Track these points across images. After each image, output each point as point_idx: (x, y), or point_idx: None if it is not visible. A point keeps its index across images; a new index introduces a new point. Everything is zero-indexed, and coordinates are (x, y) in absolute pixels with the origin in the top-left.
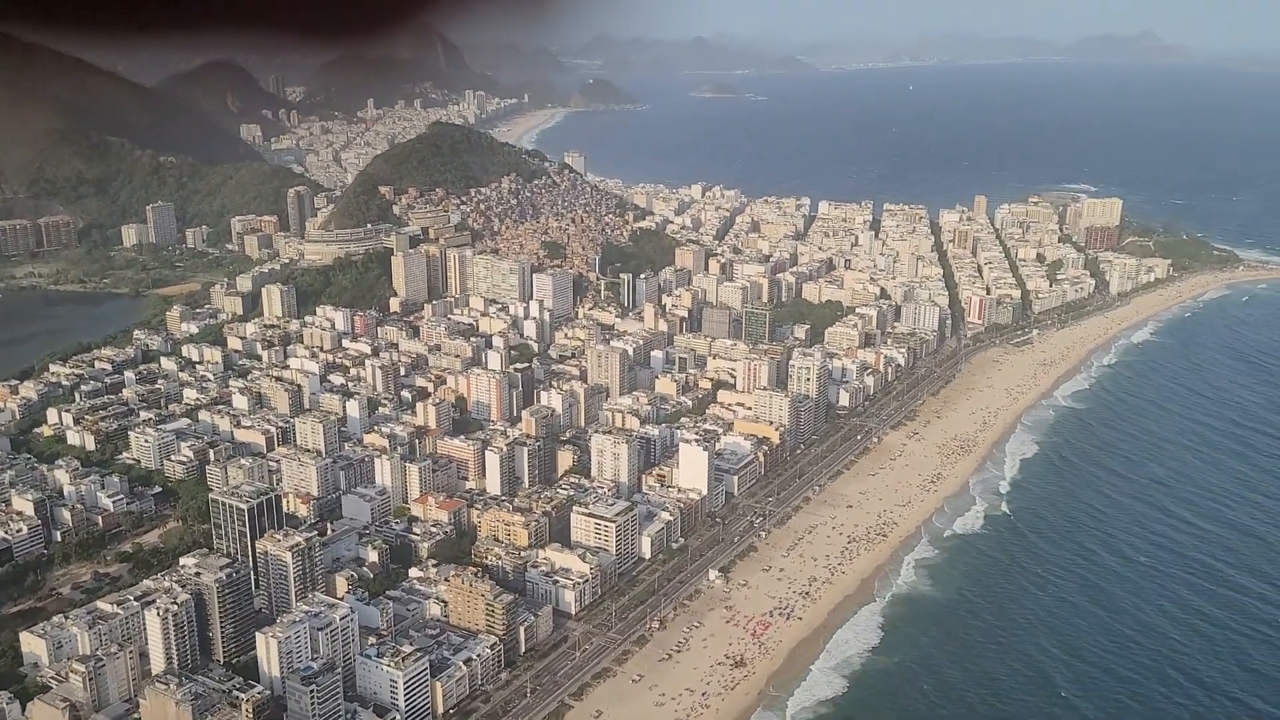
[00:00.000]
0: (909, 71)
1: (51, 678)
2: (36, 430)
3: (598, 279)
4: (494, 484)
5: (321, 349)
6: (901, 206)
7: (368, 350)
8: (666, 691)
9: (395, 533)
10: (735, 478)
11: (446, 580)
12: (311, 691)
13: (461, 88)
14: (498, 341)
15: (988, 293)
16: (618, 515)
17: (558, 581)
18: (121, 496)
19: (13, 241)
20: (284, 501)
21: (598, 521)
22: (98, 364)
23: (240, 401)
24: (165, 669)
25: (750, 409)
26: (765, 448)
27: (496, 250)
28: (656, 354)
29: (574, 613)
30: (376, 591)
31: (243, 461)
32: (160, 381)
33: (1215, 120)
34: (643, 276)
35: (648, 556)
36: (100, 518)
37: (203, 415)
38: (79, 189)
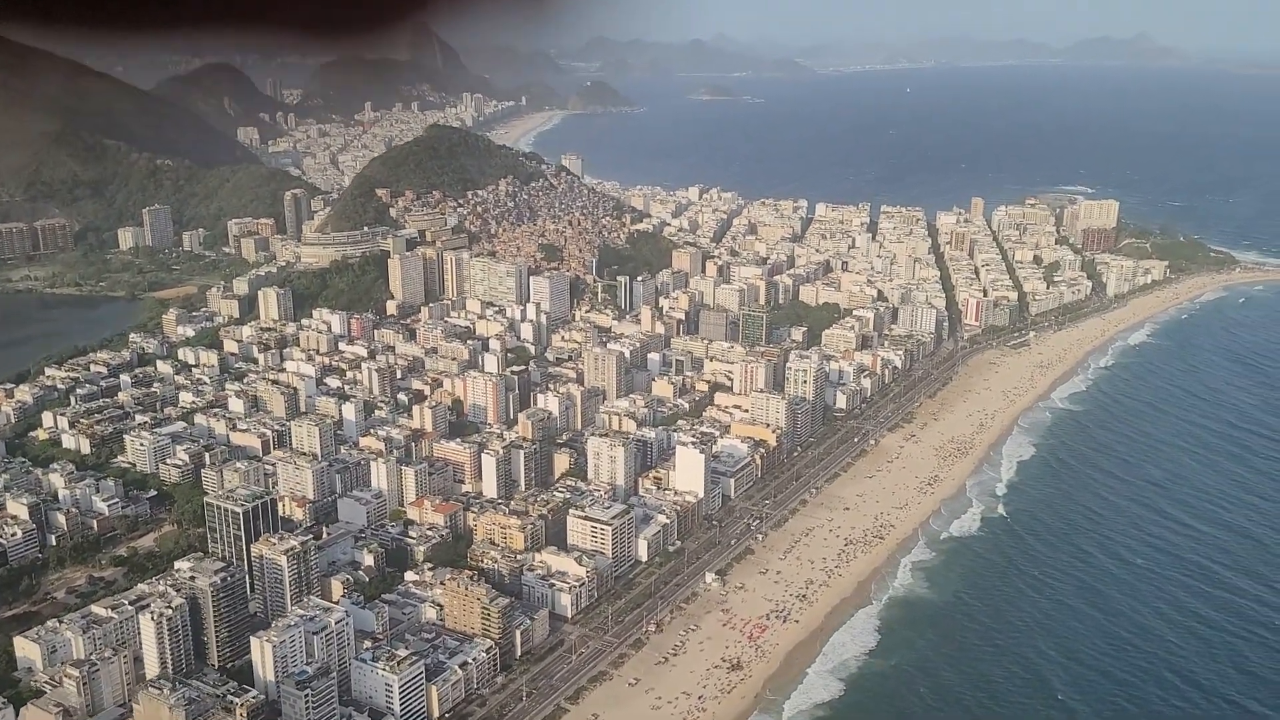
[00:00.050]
0: (906, 74)
1: (45, 682)
2: (32, 434)
3: (595, 281)
4: (490, 487)
5: (318, 352)
6: (899, 208)
7: (364, 353)
8: (663, 695)
9: (391, 536)
10: (732, 480)
11: (442, 584)
12: (306, 696)
13: (459, 90)
14: (494, 344)
15: (985, 295)
16: (614, 518)
17: (554, 585)
18: (116, 500)
19: (8, 244)
20: (279, 505)
21: (594, 524)
22: (93, 367)
23: (236, 405)
24: (159, 674)
25: (747, 411)
26: (762, 450)
27: (493, 253)
28: (653, 356)
29: (570, 616)
30: (372, 595)
31: (238, 465)
32: (156, 385)
33: (1211, 122)
34: (640, 279)
35: (644, 559)
36: (95, 521)
37: (198, 418)
38: (75, 192)
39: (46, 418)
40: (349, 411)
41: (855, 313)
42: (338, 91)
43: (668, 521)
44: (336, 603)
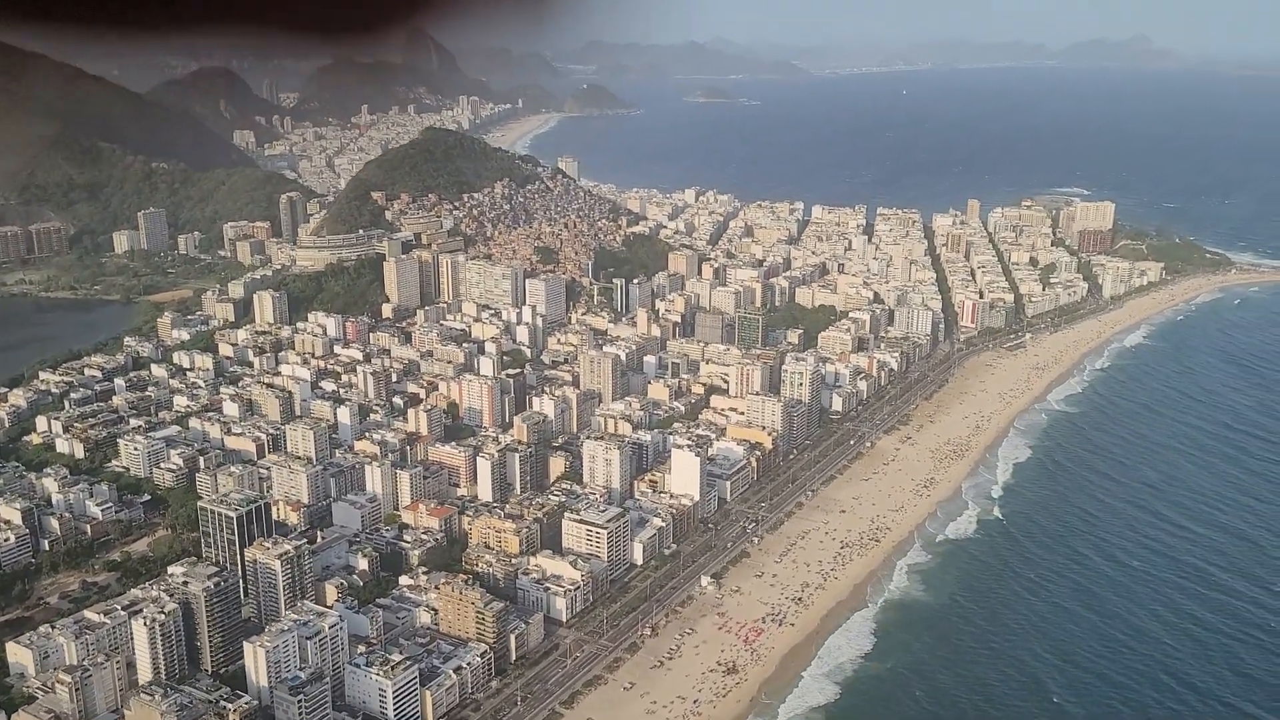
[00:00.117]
0: (903, 76)
1: (38, 688)
2: (25, 438)
3: (590, 284)
4: (485, 491)
5: (313, 355)
6: (895, 211)
7: (359, 356)
8: (658, 699)
9: (386, 540)
10: (728, 483)
11: (437, 588)
12: (299, 701)
13: (455, 93)
14: (490, 347)
15: (981, 296)
16: (609, 522)
17: (549, 589)
18: (110, 505)
19: (3, 248)
20: (274, 509)
21: (589, 528)
22: (88, 371)
23: (231, 408)
24: (152, 679)
25: (743, 414)
26: (758, 453)
27: (489, 256)
28: (649, 359)
29: (565, 620)
30: (366, 600)
31: (233, 469)
32: (150, 389)
33: (1207, 124)
34: (636, 281)
35: (639, 563)
36: (89, 526)
37: (193, 422)
38: (70, 195)
39: (40, 422)
40: (344, 415)
41: (851, 315)
42: (334, 94)
43: (663, 525)
44: (331, 607)
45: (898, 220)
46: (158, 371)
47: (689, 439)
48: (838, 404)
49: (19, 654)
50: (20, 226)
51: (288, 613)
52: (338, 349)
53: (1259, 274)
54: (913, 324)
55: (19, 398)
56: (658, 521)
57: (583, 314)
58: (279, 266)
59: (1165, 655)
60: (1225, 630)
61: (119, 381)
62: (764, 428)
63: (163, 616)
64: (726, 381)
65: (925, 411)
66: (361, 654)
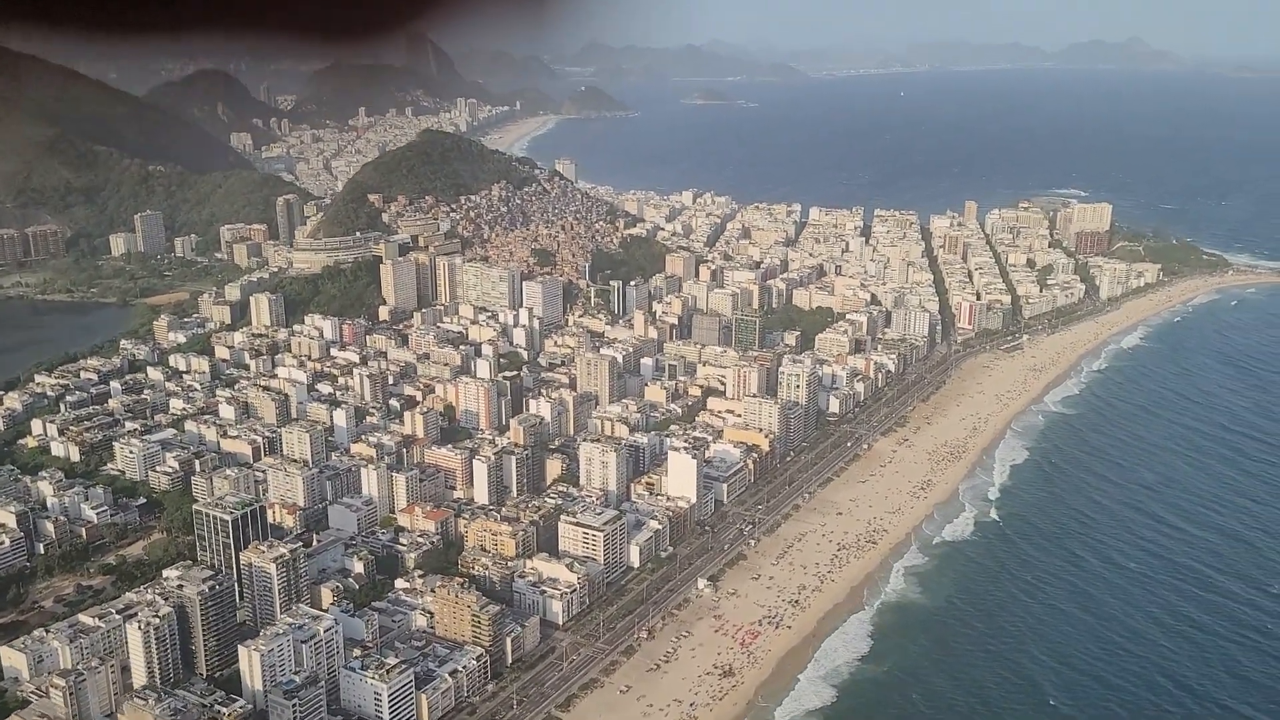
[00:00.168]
0: (900, 78)
1: (31, 692)
2: (21, 441)
3: (588, 286)
4: (482, 493)
5: (309, 358)
6: (892, 212)
7: (356, 359)
8: (655, 702)
9: (382, 543)
10: (724, 485)
11: (433, 591)
12: (294, 705)
13: (453, 95)
14: (487, 349)
15: (978, 298)
16: (606, 524)
17: (545, 592)
18: (105, 508)
19: (0, 251)
20: (269, 512)
21: (586, 531)
22: (83, 374)
23: (227, 411)
24: (146, 683)
25: (740, 416)
26: (755, 455)
27: (486, 258)
28: (646, 361)
29: (561, 623)
30: (362, 603)
31: (228, 472)
32: (146, 392)
33: (1204, 125)
34: (633, 283)
35: (636, 566)
36: (84, 529)
37: (189, 425)
38: (67, 198)
39: (36, 425)
40: (340, 418)
41: (849, 317)
42: (331, 97)
43: (660, 527)
44: (326, 610)
45: (895, 222)
46: (154, 374)
47: (686, 441)
48: (835, 406)
49: (13, 658)
50: (17, 229)
51: (283, 616)
52: (334, 351)
53: (1256, 275)
54: (910, 326)
55: (14, 400)
56: (654, 524)
57: (580, 316)
58: (276, 269)
59: (1162, 657)
60: (1222, 632)
61: (115, 384)
62: (761, 430)
63: (157, 620)
64: (723, 383)
65: (922, 413)
66: (357, 657)
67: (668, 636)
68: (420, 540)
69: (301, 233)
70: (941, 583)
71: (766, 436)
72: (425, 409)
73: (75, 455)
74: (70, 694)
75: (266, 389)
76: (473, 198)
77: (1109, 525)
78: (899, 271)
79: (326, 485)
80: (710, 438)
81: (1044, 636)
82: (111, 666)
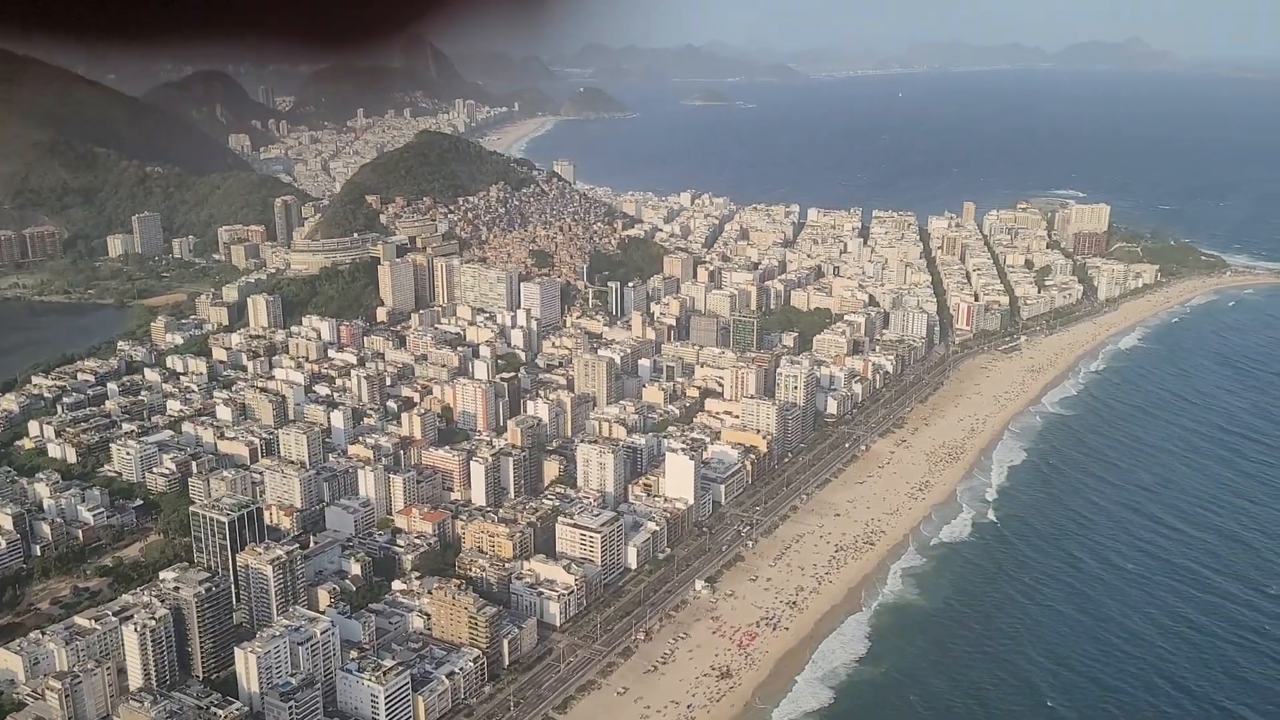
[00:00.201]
0: (899, 78)
1: (27, 695)
2: (18, 443)
3: (586, 287)
4: (479, 495)
5: (307, 359)
6: (890, 213)
7: (353, 360)
8: (652, 704)
9: (379, 545)
10: (722, 487)
11: (430, 593)
12: (290, 707)
13: (452, 96)
14: (484, 351)
15: (976, 299)
16: (603, 526)
17: (542, 593)
18: (102, 510)
19: None
20: (266, 514)
21: (583, 532)
22: (80, 376)
23: (224, 413)
24: (143, 686)
25: (738, 417)
26: (752, 456)
27: (484, 259)
28: (644, 362)
29: (559, 625)
30: (359, 604)
31: (225, 473)
32: (144, 393)
33: (1203, 127)
34: (631, 285)
35: (634, 567)
36: (80, 531)
37: (186, 427)
38: (65, 199)
39: (33, 426)
40: (337, 419)
41: (847, 318)
42: (330, 98)
43: (657, 529)
44: (323, 613)
45: (893, 223)
46: (151, 376)
47: (683, 442)
48: (833, 407)
49: (9, 660)
50: (14, 231)
51: (279, 618)
52: (332, 353)
53: (1254, 276)
54: (908, 327)
55: (11, 402)
56: (652, 525)
57: (578, 317)
58: (273, 270)
59: (1159, 658)
60: (1219, 633)
61: (112, 386)
62: (759, 431)
63: (153, 622)
64: (721, 385)
65: (920, 414)
66: (354, 659)
67: (665, 638)
68: (417, 542)
69: (299, 234)
70: (939, 584)
71: (764, 438)
72: (423, 410)
73: (72, 457)
74: (66, 696)
75: (264, 390)
76: (471, 199)
77: (1107, 526)
78: (897, 272)
79: (324, 487)
80: (708, 439)
81: (1041, 638)
82: (108, 669)
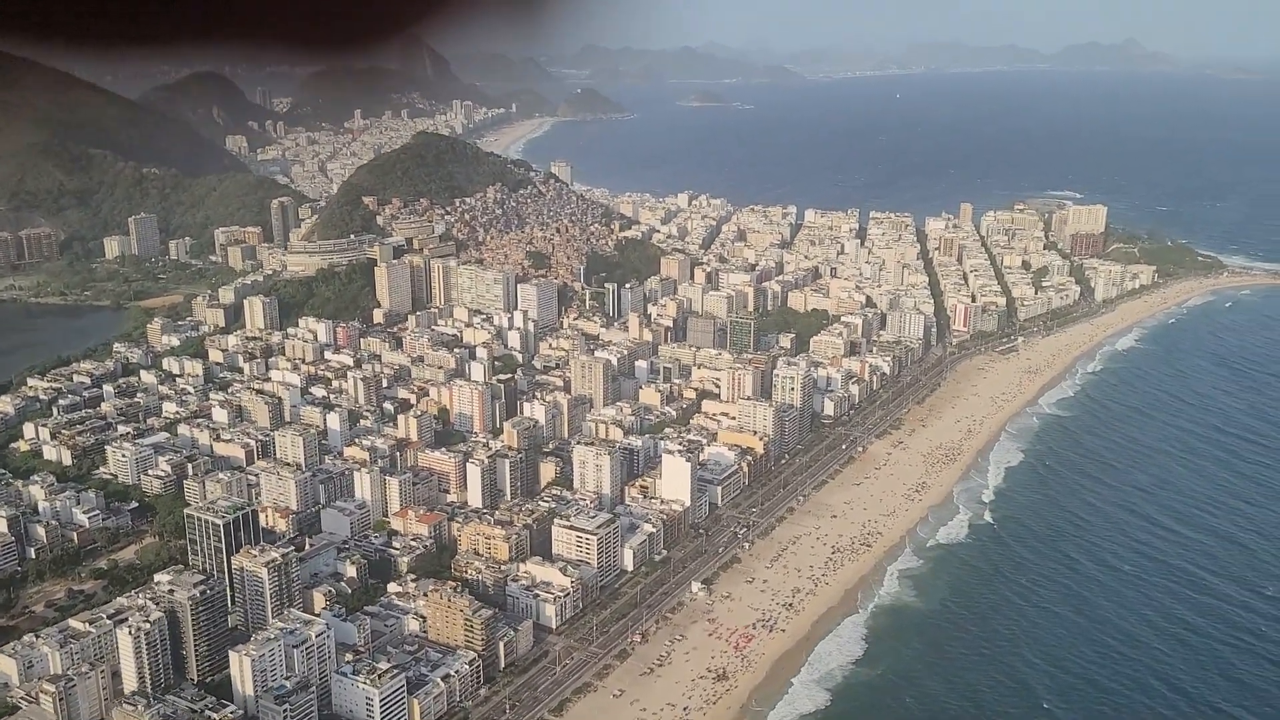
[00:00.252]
0: (896, 80)
1: (21, 698)
2: (13, 445)
3: (582, 289)
4: (475, 497)
5: (304, 361)
6: (888, 214)
7: (350, 362)
8: (648, 706)
9: (374, 547)
10: (719, 488)
11: (425, 595)
12: (285, 711)
13: (449, 98)
14: (481, 352)
15: (973, 300)
16: (599, 528)
17: (538, 595)
18: (97, 512)
19: None
20: (262, 516)
21: (579, 534)
22: (76, 377)
23: (220, 415)
24: (137, 689)
25: (734, 419)
26: (749, 458)
27: (481, 260)
28: (641, 364)
29: (555, 627)
30: (354, 607)
31: (221, 475)
32: (139, 395)
33: (1200, 127)
34: (628, 286)
35: (630, 569)
36: (75, 534)
37: (182, 429)
38: (60, 201)
39: (28, 429)
40: (333, 421)
41: (844, 319)
42: (327, 100)
43: (654, 530)
44: (318, 615)
45: (890, 224)
46: (147, 378)
47: (680, 444)
48: (829, 408)
49: (3, 663)
50: (10, 232)
51: (274, 621)
52: (328, 354)
53: (1250, 277)
54: (905, 328)
55: (6, 404)
56: (648, 527)
57: (574, 319)
58: (270, 272)
59: (1156, 660)
60: (1216, 635)
61: (108, 388)
62: (755, 432)
63: (148, 625)
64: (718, 386)
65: (917, 416)
66: (349, 662)
67: (661, 640)
68: (413, 544)
69: (296, 235)
70: (935, 585)
71: (761, 439)
72: (419, 412)
73: (67, 459)
74: (60, 700)
75: (260, 392)
76: (468, 200)
77: (1103, 528)
78: (894, 274)
79: (319, 489)
80: (705, 440)
81: (1038, 639)
82: (102, 672)
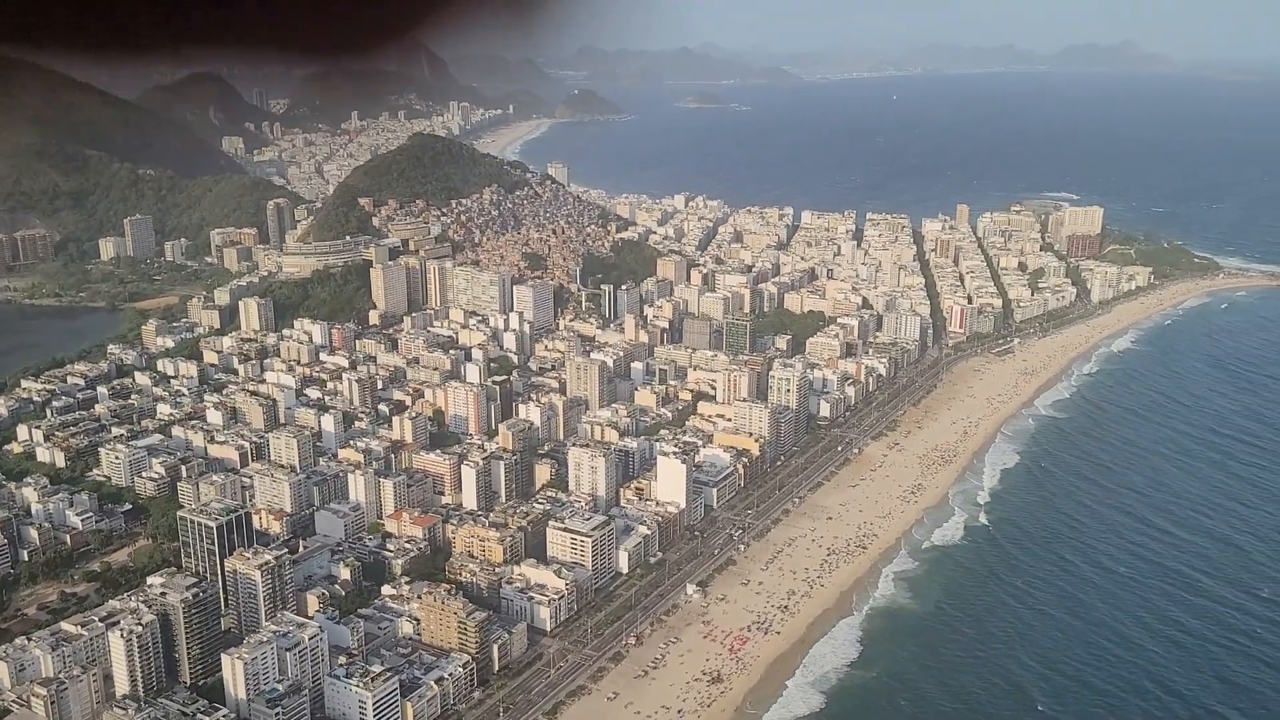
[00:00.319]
0: (893, 81)
1: (13, 701)
2: (6, 447)
3: (579, 290)
4: (470, 499)
5: (299, 362)
6: (884, 216)
7: (345, 363)
8: (642, 709)
9: (368, 549)
10: (714, 490)
11: (419, 598)
12: (277, 714)
13: (446, 99)
14: (477, 354)
15: (969, 302)
16: (594, 530)
17: (533, 598)
18: (90, 514)
19: None
20: (256, 518)
21: (574, 536)
22: (70, 379)
23: (214, 416)
24: (129, 692)
25: (730, 420)
26: (745, 460)
27: (477, 262)
28: (637, 365)
29: (549, 629)
30: (348, 610)
31: (215, 478)
32: (134, 397)
33: (1197, 128)
34: (624, 287)
35: (625, 571)
36: (68, 536)
37: (176, 430)
38: (56, 202)
39: (21, 430)
40: (328, 423)
41: (840, 320)
42: (324, 101)
43: (649, 532)
44: (311, 618)
45: (887, 225)
46: (141, 379)
47: (675, 446)
48: (825, 410)
49: None
50: (5, 233)
51: (267, 624)
52: (323, 356)
53: (1246, 278)
54: (901, 329)
55: (0, 406)
56: (643, 529)
57: (570, 320)
58: (265, 273)
59: (1151, 662)
60: (1211, 637)
61: (102, 389)
62: (751, 434)
63: (140, 628)
64: (714, 388)
65: (913, 417)
66: (342, 665)
67: (656, 643)
68: (408, 546)
69: (292, 237)
70: (931, 588)
71: (757, 441)
72: (414, 414)
73: (61, 461)
74: (51, 703)
75: (255, 394)
76: (464, 201)
77: (1098, 529)
78: (890, 275)
79: (314, 491)
80: (700, 442)
81: (1033, 642)
82: (94, 675)
